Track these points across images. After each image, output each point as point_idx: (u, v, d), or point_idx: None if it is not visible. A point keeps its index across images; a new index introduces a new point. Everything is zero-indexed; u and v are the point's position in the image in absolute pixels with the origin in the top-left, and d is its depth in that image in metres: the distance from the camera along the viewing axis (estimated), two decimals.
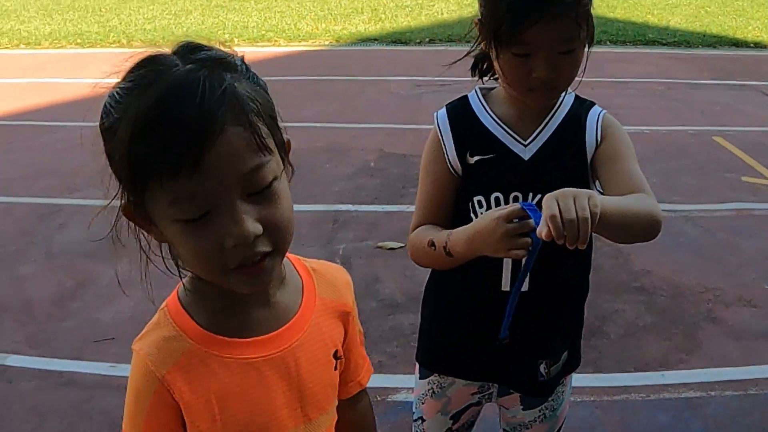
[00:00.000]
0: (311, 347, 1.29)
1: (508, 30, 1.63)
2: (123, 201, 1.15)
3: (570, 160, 1.81)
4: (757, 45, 11.91)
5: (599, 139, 1.80)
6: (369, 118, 7.47)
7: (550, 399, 2.02)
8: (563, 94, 1.83)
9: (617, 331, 3.92)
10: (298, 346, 1.26)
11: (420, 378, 2.05)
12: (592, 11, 1.69)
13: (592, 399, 3.39)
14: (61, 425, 3.19)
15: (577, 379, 3.33)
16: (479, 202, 1.80)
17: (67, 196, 5.47)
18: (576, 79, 1.75)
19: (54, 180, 5.74)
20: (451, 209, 1.86)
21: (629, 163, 1.76)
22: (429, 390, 2.03)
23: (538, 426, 2.04)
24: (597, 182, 1.79)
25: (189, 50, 1.15)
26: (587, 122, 1.82)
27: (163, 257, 1.20)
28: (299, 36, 11.11)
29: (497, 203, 1.78)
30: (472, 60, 1.91)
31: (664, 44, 11.47)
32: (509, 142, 1.81)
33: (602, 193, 1.73)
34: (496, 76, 1.83)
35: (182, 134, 1.00)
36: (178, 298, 1.24)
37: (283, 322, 1.25)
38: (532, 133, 1.81)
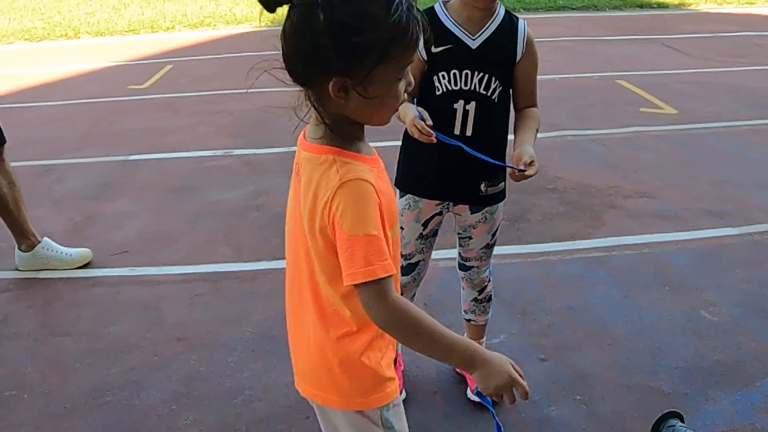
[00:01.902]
0: None
1: None
2: (334, 84, 1.60)
3: (504, 53, 2.75)
4: (660, 5, 13.11)
5: (524, 48, 2.76)
6: None
7: (489, 207, 2.98)
8: (498, 5, 2.76)
9: (536, 218, 4.93)
10: None
11: (399, 198, 3.00)
12: None
13: (519, 261, 4.38)
14: (99, 311, 4.06)
15: (506, 249, 4.35)
16: (443, 75, 2.73)
17: (57, 158, 6.26)
18: None
19: (41, 146, 6.52)
20: (419, 84, 2.76)
21: (533, 84, 2.83)
22: (407, 204, 2.96)
23: (482, 226, 2.99)
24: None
25: None
26: (518, 29, 2.76)
27: None
28: (237, 20, 11.92)
29: (454, 77, 2.72)
30: None
31: (574, 9, 12.57)
32: (462, 37, 2.71)
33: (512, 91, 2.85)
34: None
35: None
36: (335, 146, 1.71)
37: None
38: (479, 31, 2.71)
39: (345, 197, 1.63)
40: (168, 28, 11.46)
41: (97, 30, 11.16)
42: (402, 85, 1.69)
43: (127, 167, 6.06)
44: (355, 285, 1.65)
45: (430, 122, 2.59)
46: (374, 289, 1.63)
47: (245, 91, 7.99)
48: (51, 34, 11.07)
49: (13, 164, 6.16)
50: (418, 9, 1.60)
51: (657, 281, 4.19)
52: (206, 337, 3.76)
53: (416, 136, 2.61)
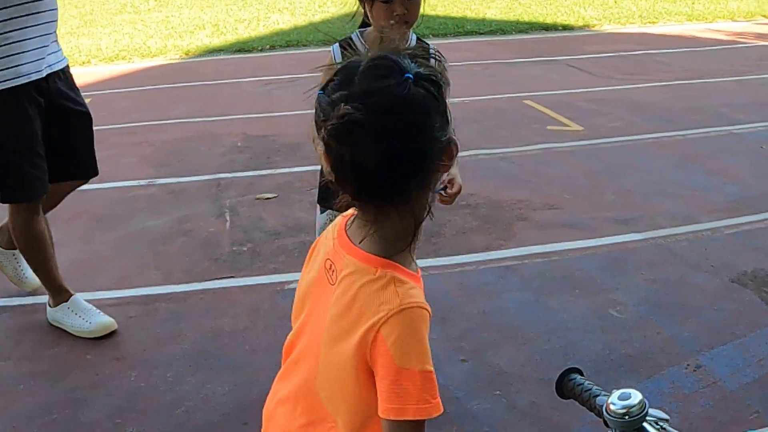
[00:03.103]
0: None
1: None
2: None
3: None
4: (565, 27, 13.63)
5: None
6: (230, 111, 8.48)
7: None
8: (411, 33, 3.02)
9: (451, 233, 5.17)
10: None
11: (320, 214, 3.21)
12: None
13: (436, 273, 4.61)
14: (38, 336, 4.16)
15: (424, 263, 4.57)
16: None
17: None
18: None
19: None
20: None
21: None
22: (327, 220, 3.18)
23: None
24: None
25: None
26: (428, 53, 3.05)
27: None
28: (151, 52, 12.01)
29: None
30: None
31: (482, 33, 12.97)
32: None
33: None
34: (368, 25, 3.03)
35: None
36: (392, 260, 1.55)
37: None
38: None
39: (402, 326, 1.50)
40: (84, 62, 11.51)
41: None
42: None
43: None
44: (389, 420, 1.52)
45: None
46: (416, 428, 1.53)
47: (164, 122, 8.15)
48: None
49: None
50: None
51: (567, 285, 4.47)
52: (143, 355, 3.91)
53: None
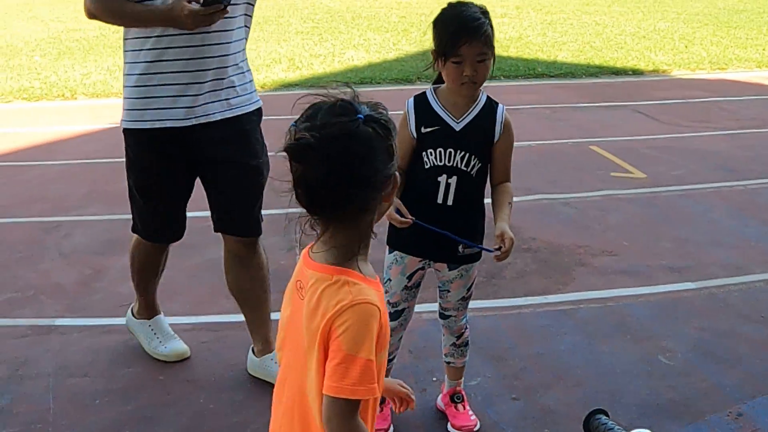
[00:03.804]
0: None
1: (450, 48, 3.14)
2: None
3: (483, 135, 3.34)
4: (635, 72, 13.79)
5: (501, 130, 3.34)
6: None
7: (465, 266, 3.50)
8: (481, 93, 3.34)
9: (511, 275, 5.44)
10: None
11: (389, 253, 3.51)
12: (493, 42, 3.22)
13: (494, 314, 4.89)
14: (113, 355, 4.51)
15: (482, 303, 4.84)
16: (430, 152, 3.32)
17: (62, 215, 6.72)
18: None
19: (46, 204, 6.96)
20: (408, 159, 3.34)
21: (508, 161, 3.42)
22: (394, 259, 3.48)
23: (458, 281, 3.52)
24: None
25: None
26: (497, 113, 3.36)
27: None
28: None
29: (440, 154, 3.30)
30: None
31: (552, 76, 13.21)
32: (448, 119, 3.31)
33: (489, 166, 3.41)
34: (443, 81, 3.33)
35: None
36: (345, 267, 1.91)
37: None
38: (463, 114, 3.31)
39: (353, 318, 1.83)
40: None
41: (93, 92, 11.65)
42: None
43: (130, 225, 6.53)
44: (329, 395, 1.83)
45: (407, 219, 3.17)
46: (347, 407, 1.82)
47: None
48: (48, 94, 11.57)
49: (19, 221, 6.66)
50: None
51: (619, 331, 4.71)
52: (213, 378, 4.24)
53: (396, 225, 3.19)
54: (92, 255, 5.88)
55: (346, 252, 1.92)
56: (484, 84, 3.31)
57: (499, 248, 3.14)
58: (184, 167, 3.91)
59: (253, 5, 3.87)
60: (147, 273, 4.39)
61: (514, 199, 3.45)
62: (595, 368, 4.31)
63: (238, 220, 3.99)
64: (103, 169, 7.75)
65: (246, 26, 3.90)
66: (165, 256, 4.38)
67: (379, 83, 12.60)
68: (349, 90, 1.96)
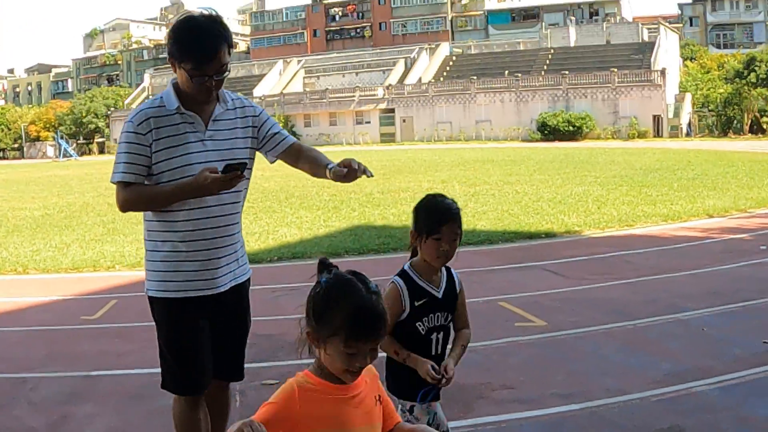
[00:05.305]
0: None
1: (433, 226, 3.99)
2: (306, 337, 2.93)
3: (453, 297, 4.19)
4: (548, 234, 15.23)
5: (459, 287, 4.23)
6: None
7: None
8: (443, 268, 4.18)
9: None
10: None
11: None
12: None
13: None
14: None
15: None
16: (424, 321, 4.07)
17: (27, 372, 7.67)
18: None
19: (11, 364, 7.94)
20: (394, 322, 3.98)
21: (466, 311, 4.31)
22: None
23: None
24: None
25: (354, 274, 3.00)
26: (454, 275, 4.23)
27: None
28: None
29: (430, 321, 4.08)
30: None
31: (471, 243, 14.50)
32: (432, 291, 4.10)
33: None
34: (417, 256, 4.14)
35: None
36: (311, 371, 2.92)
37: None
38: (439, 284, 4.13)
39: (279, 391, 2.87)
40: (109, 267, 13.10)
41: (44, 267, 12.88)
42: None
43: (89, 380, 7.46)
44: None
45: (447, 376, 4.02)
46: None
47: None
48: (1, 268, 12.77)
49: None
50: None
51: None
52: None
53: (429, 380, 3.98)
54: (57, 404, 6.82)
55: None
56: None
57: (441, 378, 3.96)
58: (207, 324, 4.48)
59: (251, 170, 4.54)
60: None
61: None
62: None
63: (228, 366, 4.69)
64: (59, 335, 8.89)
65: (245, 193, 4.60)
66: (205, 418, 4.65)
67: (309, 257, 13.71)
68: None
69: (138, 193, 4.28)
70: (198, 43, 4.13)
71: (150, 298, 4.48)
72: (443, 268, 4.19)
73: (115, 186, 4.31)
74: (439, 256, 4.04)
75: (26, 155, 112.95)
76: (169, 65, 4.24)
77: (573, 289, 10.52)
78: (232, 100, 4.50)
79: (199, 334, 4.42)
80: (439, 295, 4.14)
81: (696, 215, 16.82)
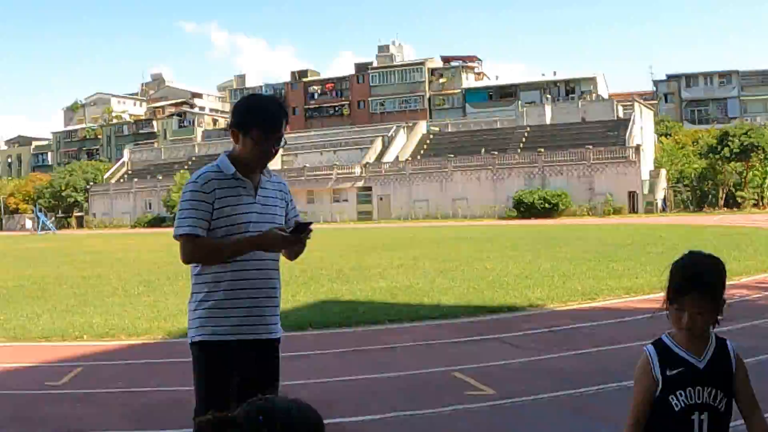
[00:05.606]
0: None
1: (674, 296, 3.46)
2: None
3: (724, 371, 3.51)
4: (510, 309, 15.51)
5: (735, 361, 3.51)
6: None
7: None
8: (712, 330, 3.55)
9: None
10: None
11: None
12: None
13: None
14: None
15: None
16: (679, 395, 3.46)
17: None
18: None
19: None
20: (650, 406, 3.51)
21: (751, 389, 3.54)
22: None
23: None
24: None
25: None
26: (728, 345, 3.57)
27: None
28: (137, 332, 13.75)
29: (688, 397, 3.45)
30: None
31: (433, 318, 14.78)
32: (691, 359, 3.49)
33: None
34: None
35: None
36: None
37: None
38: (702, 352, 3.51)
39: None
40: (77, 337, 13.35)
41: (13, 335, 13.24)
42: None
43: None
44: None
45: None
46: None
47: (145, 388, 9.75)
48: None
49: None
50: None
51: None
52: None
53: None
54: None
55: None
56: None
57: None
58: (238, 375, 4.68)
59: None
60: None
61: None
62: None
63: None
64: (24, 399, 9.21)
65: None
66: None
67: None
68: None
69: (206, 244, 4.65)
70: (267, 114, 4.70)
71: (196, 344, 4.74)
72: (713, 336, 3.60)
73: (179, 240, 4.67)
74: (681, 328, 3.52)
75: (4, 227, 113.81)
76: (228, 136, 4.94)
77: (527, 360, 10.79)
78: (270, 173, 4.96)
79: (227, 384, 4.65)
80: (701, 366, 3.52)
81: (659, 288, 17.00)
